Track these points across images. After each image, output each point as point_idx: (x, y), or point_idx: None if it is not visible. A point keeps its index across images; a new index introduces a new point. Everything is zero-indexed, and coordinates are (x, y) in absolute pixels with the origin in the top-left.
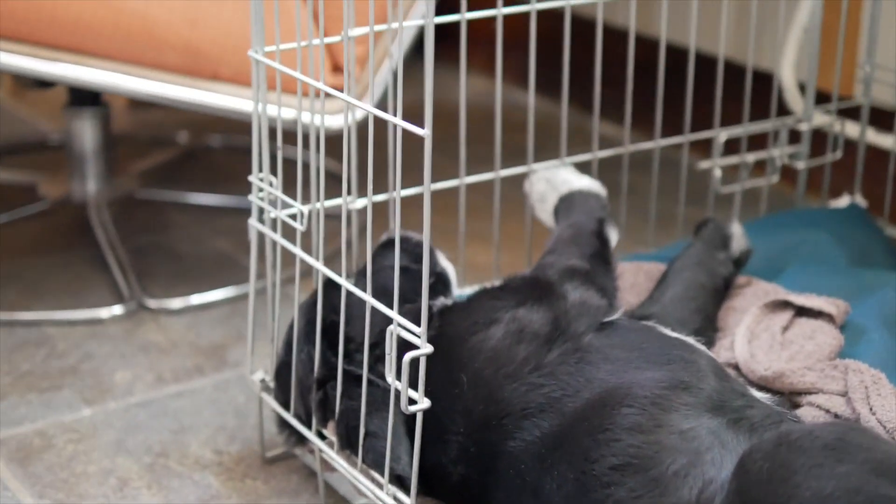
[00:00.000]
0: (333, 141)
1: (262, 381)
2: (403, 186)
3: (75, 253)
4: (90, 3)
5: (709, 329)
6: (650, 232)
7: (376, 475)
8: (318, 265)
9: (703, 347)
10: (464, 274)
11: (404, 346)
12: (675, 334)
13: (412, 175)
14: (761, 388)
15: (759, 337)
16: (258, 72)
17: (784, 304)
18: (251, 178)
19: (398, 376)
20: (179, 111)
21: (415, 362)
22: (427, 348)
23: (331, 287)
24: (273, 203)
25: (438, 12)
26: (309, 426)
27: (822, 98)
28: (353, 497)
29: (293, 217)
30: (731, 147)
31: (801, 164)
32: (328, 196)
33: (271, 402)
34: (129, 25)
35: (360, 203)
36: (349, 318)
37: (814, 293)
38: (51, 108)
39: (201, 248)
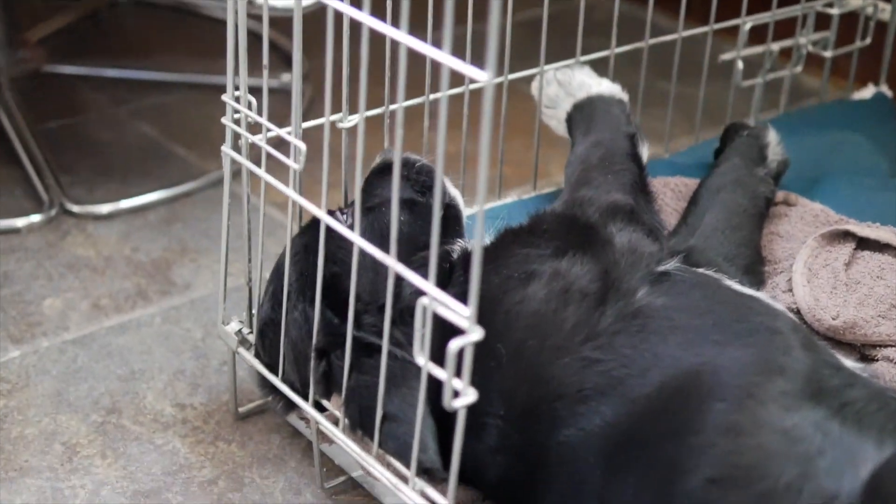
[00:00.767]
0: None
1: (239, 332)
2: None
3: None
4: None
5: (758, 263)
6: (665, 134)
7: (398, 465)
8: (302, 201)
9: (780, 307)
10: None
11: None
12: (745, 289)
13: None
14: (827, 339)
15: (819, 275)
16: None
17: (843, 235)
18: (225, 98)
19: (434, 359)
20: None
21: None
22: (477, 332)
23: (328, 231)
24: (255, 130)
25: None
26: (304, 396)
27: None
28: (350, 468)
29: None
30: (754, 39)
31: (827, 52)
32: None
33: (253, 362)
34: None
35: (352, 121)
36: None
37: (860, 212)
38: None
39: (124, 135)
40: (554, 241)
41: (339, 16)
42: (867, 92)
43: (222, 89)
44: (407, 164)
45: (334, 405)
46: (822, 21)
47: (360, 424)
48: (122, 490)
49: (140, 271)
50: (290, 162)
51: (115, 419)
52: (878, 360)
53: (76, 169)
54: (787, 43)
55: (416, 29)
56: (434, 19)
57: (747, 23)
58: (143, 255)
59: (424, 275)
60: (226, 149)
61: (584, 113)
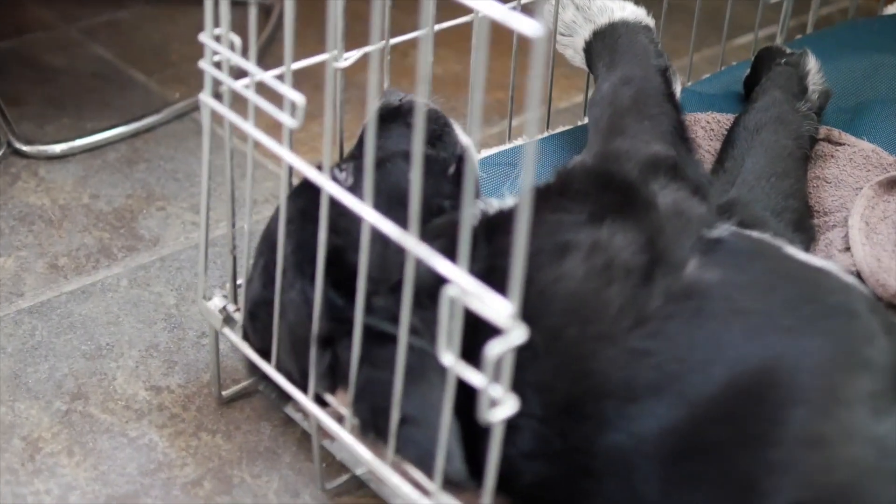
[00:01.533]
0: None
1: (223, 309)
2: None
3: None
4: None
5: (807, 217)
6: (688, 57)
7: (419, 476)
8: (299, 164)
9: (851, 279)
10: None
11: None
12: (812, 259)
13: None
14: (892, 306)
15: (878, 230)
16: None
17: None
18: (202, 38)
19: (466, 358)
20: None
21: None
22: (520, 332)
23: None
24: (239, 75)
25: None
26: (302, 387)
27: None
28: (353, 464)
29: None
30: None
31: None
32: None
33: (241, 346)
34: None
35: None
36: (358, 242)
37: None
38: None
39: (75, 59)
40: (588, 203)
41: None
42: None
43: (183, 2)
44: (412, 110)
45: (339, 401)
46: None
47: (372, 427)
48: (93, 495)
49: (101, 223)
50: (284, 118)
51: (82, 406)
52: None
53: (23, 100)
54: None
55: None
56: None
57: None
58: (103, 202)
59: (441, 247)
60: (204, 97)
61: (605, 42)
